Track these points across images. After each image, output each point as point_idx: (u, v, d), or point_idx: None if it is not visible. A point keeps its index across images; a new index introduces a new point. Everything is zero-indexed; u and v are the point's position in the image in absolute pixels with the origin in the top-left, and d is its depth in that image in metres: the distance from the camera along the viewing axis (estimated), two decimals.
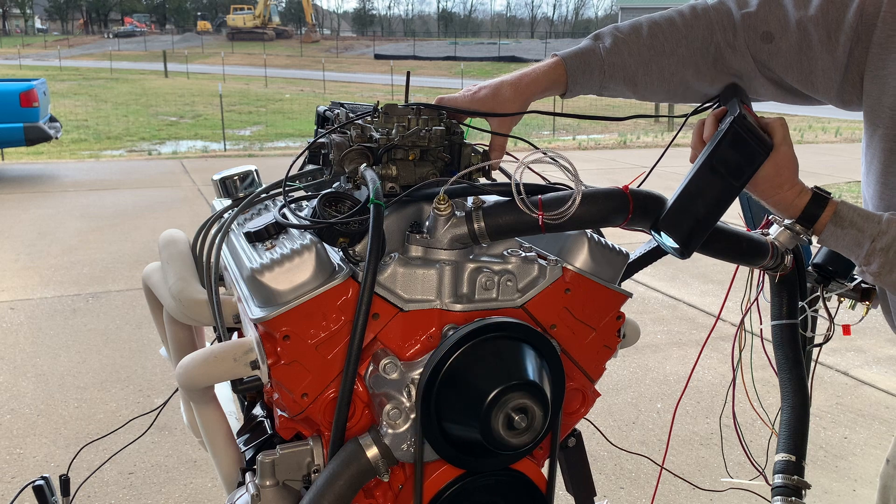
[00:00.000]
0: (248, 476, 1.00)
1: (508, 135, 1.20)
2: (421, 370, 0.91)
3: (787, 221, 1.18)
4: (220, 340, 1.13)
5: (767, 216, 1.22)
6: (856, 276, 1.48)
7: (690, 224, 0.98)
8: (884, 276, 1.09)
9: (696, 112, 1.29)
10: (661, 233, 0.98)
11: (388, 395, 0.91)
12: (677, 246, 0.98)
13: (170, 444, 3.11)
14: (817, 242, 1.19)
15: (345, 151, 1.03)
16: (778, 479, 1.21)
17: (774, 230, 1.24)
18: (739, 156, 1.02)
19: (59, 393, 3.56)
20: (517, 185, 0.92)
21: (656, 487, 2.83)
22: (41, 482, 1.38)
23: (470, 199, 0.97)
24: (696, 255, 1.02)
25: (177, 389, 1.17)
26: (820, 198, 1.11)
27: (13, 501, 1.56)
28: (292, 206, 1.03)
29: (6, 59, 38.21)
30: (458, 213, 0.95)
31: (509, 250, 1.00)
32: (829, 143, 14.50)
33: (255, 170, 1.49)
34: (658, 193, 0.99)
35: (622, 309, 1.05)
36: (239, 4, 68.01)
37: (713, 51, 1.23)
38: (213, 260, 1.15)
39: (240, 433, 1.18)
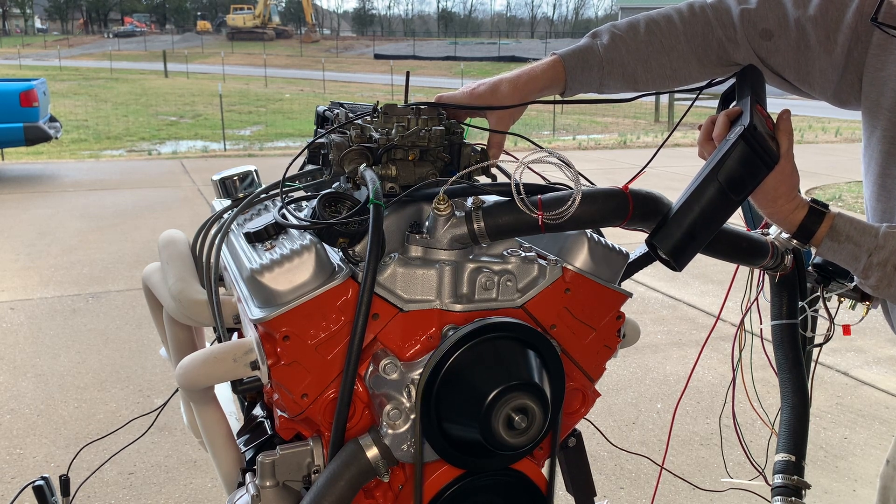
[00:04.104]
0: (248, 476, 1.00)
1: (507, 132, 1.20)
2: (421, 370, 0.91)
3: (784, 235, 1.18)
4: (219, 341, 1.13)
5: None
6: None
7: (685, 241, 0.96)
8: (882, 290, 1.08)
9: (710, 86, 1.27)
10: (657, 248, 0.97)
11: (388, 395, 0.91)
12: (669, 260, 0.97)
13: (170, 445, 3.11)
14: (815, 255, 1.19)
15: (344, 151, 1.03)
16: (778, 479, 1.21)
17: (774, 230, 1.24)
18: (744, 171, 0.99)
19: (59, 393, 3.56)
20: (517, 184, 0.92)
21: (656, 487, 2.83)
22: (41, 482, 1.38)
23: (470, 199, 0.97)
24: (696, 254, 1.02)
25: (177, 390, 1.17)
26: (816, 212, 1.09)
27: (13, 501, 1.56)
28: (292, 206, 1.03)
29: (6, 59, 38.21)
30: (457, 213, 0.94)
31: (509, 250, 1.00)
32: (829, 143, 14.49)
33: (255, 170, 1.49)
34: (658, 193, 0.99)
35: (622, 309, 1.05)
36: (239, 4, 68.02)
37: (715, 46, 1.23)
38: (212, 260, 1.15)
39: (240, 433, 1.18)
